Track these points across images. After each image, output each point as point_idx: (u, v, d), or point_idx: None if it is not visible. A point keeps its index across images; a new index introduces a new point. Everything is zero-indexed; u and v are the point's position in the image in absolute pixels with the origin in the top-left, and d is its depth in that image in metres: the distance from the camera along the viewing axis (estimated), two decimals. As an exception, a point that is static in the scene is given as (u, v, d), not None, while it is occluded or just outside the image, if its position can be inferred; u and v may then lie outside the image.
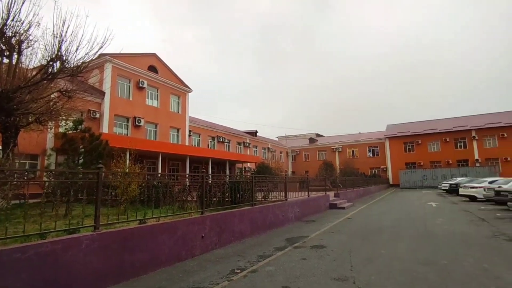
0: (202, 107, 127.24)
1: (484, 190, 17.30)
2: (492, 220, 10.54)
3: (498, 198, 14.16)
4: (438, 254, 6.08)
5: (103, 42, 9.39)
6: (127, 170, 11.40)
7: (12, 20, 8.30)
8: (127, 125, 23.71)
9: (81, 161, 10.81)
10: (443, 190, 28.21)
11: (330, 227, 9.83)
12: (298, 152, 56.69)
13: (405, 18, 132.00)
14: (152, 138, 25.70)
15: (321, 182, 18.36)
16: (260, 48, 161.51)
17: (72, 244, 4.04)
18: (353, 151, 51.79)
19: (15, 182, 5.40)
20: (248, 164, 36.82)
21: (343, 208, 15.53)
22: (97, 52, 9.53)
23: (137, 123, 23.71)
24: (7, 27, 8.40)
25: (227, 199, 8.88)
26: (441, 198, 21.65)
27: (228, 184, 9.12)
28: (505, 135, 39.74)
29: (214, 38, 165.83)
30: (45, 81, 9.35)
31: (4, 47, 8.95)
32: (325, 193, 15.89)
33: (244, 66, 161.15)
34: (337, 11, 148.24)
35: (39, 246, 3.74)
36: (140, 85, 24.59)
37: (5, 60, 9.42)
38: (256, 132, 47.41)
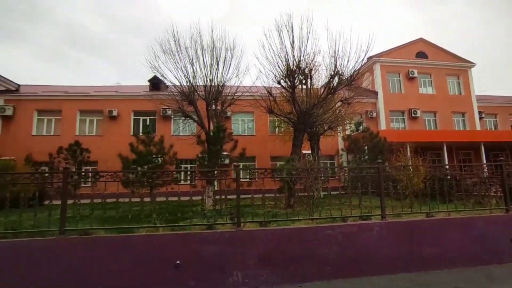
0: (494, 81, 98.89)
1: None
2: None
3: None
4: None
5: (367, 48, 10.29)
6: (410, 163, 11.44)
7: (303, 55, 11.10)
8: (403, 119, 23.43)
9: (366, 157, 12.20)
10: None
11: None
12: None
13: None
14: (431, 128, 23.67)
15: None
16: None
17: (365, 228, 4.89)
18: None
19: (322, 178, 7.17)
20: None
21: None
22: (363, 58, 10.54)
23: (413, 115, 22.84)
24: (302, 62, 11.33)
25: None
26: None
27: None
28: None
29: None
30: (329, 95, 11.58)
31: (302, 77, 12.07)
32: None
33: None
34: None
35: (341, 227, 4.87)
36: (410, 75, 23.54)
37: (303, 86, 12.63)
38: None
